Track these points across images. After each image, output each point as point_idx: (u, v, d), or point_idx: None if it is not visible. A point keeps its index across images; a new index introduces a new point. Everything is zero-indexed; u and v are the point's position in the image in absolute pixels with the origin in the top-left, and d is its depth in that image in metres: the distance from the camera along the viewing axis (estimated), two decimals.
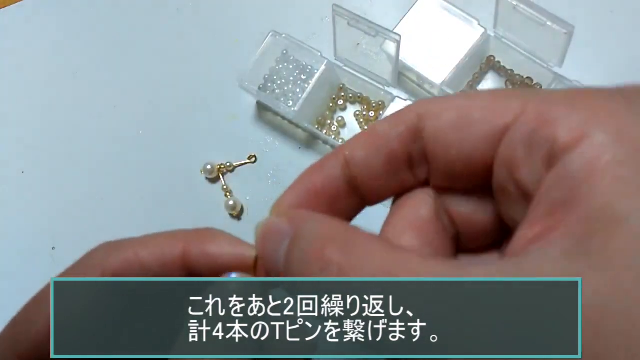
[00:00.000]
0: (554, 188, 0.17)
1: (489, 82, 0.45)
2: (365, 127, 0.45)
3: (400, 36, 0.40)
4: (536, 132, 0.18)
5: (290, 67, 0.46)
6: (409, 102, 0.43)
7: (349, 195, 0.23)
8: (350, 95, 0.46)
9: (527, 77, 0.44)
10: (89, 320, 0.26)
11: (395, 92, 0.44)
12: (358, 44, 0.43)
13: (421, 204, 0.22)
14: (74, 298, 0.26)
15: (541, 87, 0.43)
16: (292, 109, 0.44)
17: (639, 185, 0.15)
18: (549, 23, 0.38)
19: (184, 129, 0.48)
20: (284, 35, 0.45)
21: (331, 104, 0.46)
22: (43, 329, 0.25)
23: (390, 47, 0.41)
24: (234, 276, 0.25)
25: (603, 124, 0.17)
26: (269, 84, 0.46)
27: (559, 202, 0.16)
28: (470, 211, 0.22)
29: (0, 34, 0.53)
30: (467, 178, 0.21)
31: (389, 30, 0.40)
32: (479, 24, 0.44)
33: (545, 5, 0.38)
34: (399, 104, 0.43)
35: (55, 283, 0.27)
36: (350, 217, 0.24)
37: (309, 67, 0.46)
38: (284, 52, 0.46)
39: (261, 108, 0.47)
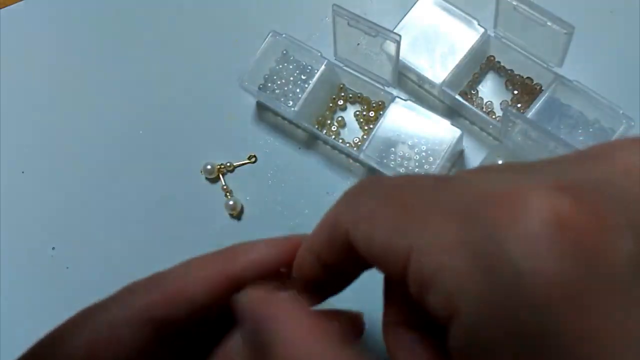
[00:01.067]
0: (451, 354, 0.17)
1: (489, 82, 0.45)
2: (366, 128, 0.45)
3: (400, 36, 0.40)
4: (422, 291, 0.18)
5: (290, 67, 0.46)
6: (409, 102, 0.43)
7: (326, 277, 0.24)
8: (350, 95, 0.46)
9: (527, 77, 0.44)
10: (124, 357, 0.24)
11: (395, 92, 0.44)
12: (358, 44, 0.43)
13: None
14: (110, 334, 0.25)
15: (541, 87, 0.43)
16: (292, 109, 0.44)
17: None
18: (549, 23, 0.38)
19: (184, 129, 0.48)
20: (284, 35, 0.45)
21: (331, 104, 0.46)
22: (81, 355, 0.24)
23: (390, 47, 0.41)
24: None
25: (471, 299, 0.16)
26: (269, 84, 0.46)
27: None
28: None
29: (1, 34, 0.53)
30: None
31: (389, 30, 0.40)
32: (479, 24, 0.44)
33: (545, 5, 0.38)
34: (399, 103, 0.43)
35: (86, 313, 0.25)
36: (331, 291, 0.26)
37: (309, 67, 0.46)
38: (284, 52, 0.46)
39: (261, 108, 0.47)
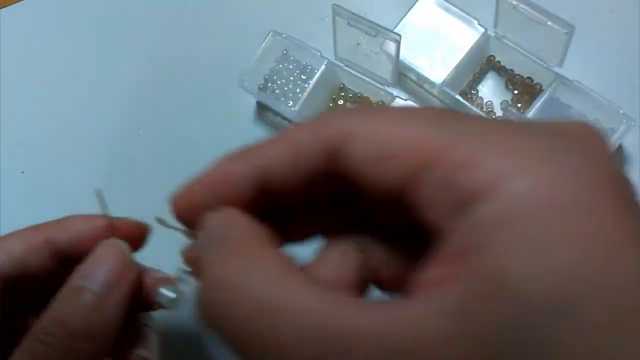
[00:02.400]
0: (459, 235, 0.16)
1: (489, 82, 0.45)
2: None
3: (400, 36, 0.40)
4: (452, 175, 0.17)
5: (290, 67, 0.46)
6: (409, 102, 0.43)
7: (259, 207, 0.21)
8: (350, 95, 0.46)
9: (528, 77, 0.44)
10: None
11: (395, 92, 0.44)
12: (358, 44, 0.43)
13: (343, 261, 0.20)
14: None
15: (541, 87, 0.43)
16: (292, 109, 0.44)
17: (540, 248, 0.15)
18: (549, 23, 0.38)
19: (183, 129, 0.48)
20: (284, 35, 0.45)
21: (331, 104, 0.46)
22: None
23: (390, 47, 0.41)
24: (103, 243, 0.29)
25: (524, 173, 0.16)
26: (269, 84, 0.46)
27: (459, 251, 0.16)
28: (390, 257, 0.21)
29: (1, 34, 0.53)
30: (384, 215, 0.20)
31: (389, 30, 0.40)
32: (479, 24, 0.44)
33: (545, 5, 0.38)
34: (399, 103, 0.43)
35: None
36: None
37: (309, 67, 0.46)
38: (284, 52, 0.46)
39: (261, 108, 0.47)
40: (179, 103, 0.49)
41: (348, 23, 0.41)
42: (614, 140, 0.40)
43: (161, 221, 0.26)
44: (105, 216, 0.30)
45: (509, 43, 0.43)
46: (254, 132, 0.47)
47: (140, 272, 0.29)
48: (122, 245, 0.29)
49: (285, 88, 0.46)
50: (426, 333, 0.15)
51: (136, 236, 0.31)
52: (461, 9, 0.44)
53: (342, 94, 0.46)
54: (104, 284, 0.27)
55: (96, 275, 0.27)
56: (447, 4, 0.45)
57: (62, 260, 0.29)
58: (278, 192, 0.20)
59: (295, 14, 0.49)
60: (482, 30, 0.43)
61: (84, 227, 0.30)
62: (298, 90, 0.45)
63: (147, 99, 0.49)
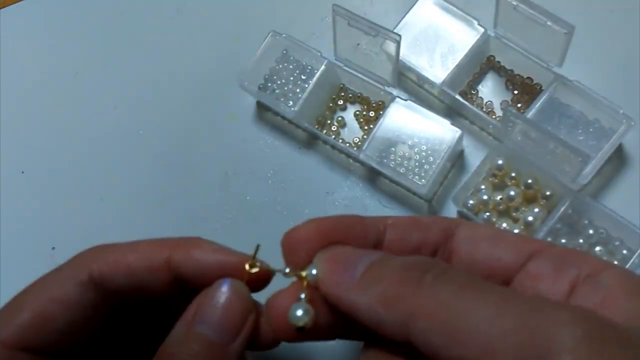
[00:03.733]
0: None
1: (489, 82, 0.45)
2: (366, 127, 0.45)
3: (400, 36, 0.40)
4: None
5: (290, 67, 0.46)
6: (409, 102, 0.43)
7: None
8: (350, 95, 0.46)
9: (527, 77, 0.44)
10: (74, 318, 0.27)
11: (395, 92, 0.44)
12: (358, 44, 0.43)
13: None
14: (61, 294, 0.27)
15: (541, 87, 0.43)
16: (292, 109, 0.44)
17: None
18: (549, 23, 0.38)
19: (183, 129, 0.48)
20: (284, 35, 0.45)
21: (331, 104, 0.46)
22: (28, 316, 0.26)
23: (390, 47, 0.41)
24: (226, 283, 0.26)
25: None
26: (269, 84, 0.46)
27: None
28: None
29: (1, 34, 0.53)
30: None
31: (389, 30, 0.40)
32: (479, 24, 0.44)
33: (545, 5, 0.38)
34: (399, 103, 0.43)
35: (43, 277, 0.28)
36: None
37: (309, 67, 0.46)
38: (284, 52, 0.46)
39: (261, 108, 0.47)
40: (179, 103, 0.49)
41: (348, 23, 0.41)
42: (614, 140, 0.40)
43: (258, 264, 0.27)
44: (237, 253, 0.27)
45: (509, 43, 0.43)
46: (254, 132, 0.47)
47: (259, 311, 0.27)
48: (242, 287, 0.27)
49: (285, 88, 0.46)
50: None
51: (260, 279, 0.28)
52: (461, 9, 0.44)
53: (342, 94, 0.46)
54: (225, 332, 0.25)
55: (215, 320, 0.25)
56: (447, 4, 0.45)
57: (180, 285, 0.28)
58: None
59: (295, 14, 0.49)
60: (482, 30, 0.43)
61: (209, 258, 0.27)
62: (298, 90, 0.45)
63: (147, 99, 0.49)
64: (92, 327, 0.27)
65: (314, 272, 0.25)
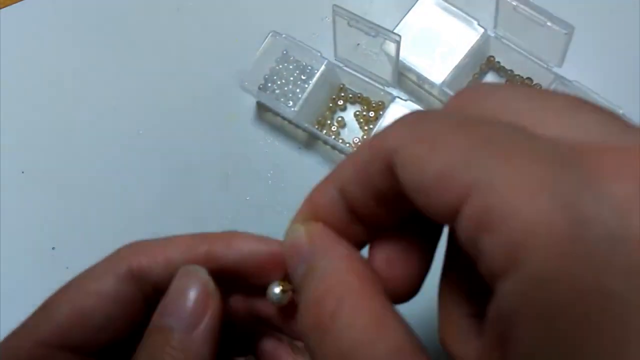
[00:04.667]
0: (492, 322, 0.15)
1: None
2: (366, 128, 0.45)
3: (400, 36, 0.40)
4: (476, 237, 0.15)
5: (290, 67, 0.46)
6: (409, 103, 0.43)
7: (353, 224, 0.22)
8: (350, 95, 0.46)
9: (527, 78, 0.44)
10: (112, 313, 0.26)
11: (395, 92, 0.44)
12: (358, 44, 0.43)
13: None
14: (99, 287, 0.26)
15: (541, 87, 0.43)
16: (292, 109, 0.44)
17: (554, 338, 0.13)
18: (549, 23, 0.38)
19: (183, 129, 0.48)
20: (284, 35, 0.45)
21: (331, 104, 0.46)
22: (66, 313, 0.26)
23: (390, 47, 0.41)
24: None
25: (537, 249, 0.14)
26: (269, 84, 0.46)
27: (497, 340, 0.15)
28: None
29: (1, 34, 0.53)
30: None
31: (389, 30, 0.40)
32: (479, 24, 0.44)
33: (545, 5, 0.38)
34: (399, 104, 0.43)
35: (80, 274, 0.28)
36: (358, 243, 0.23)
37: (309, 67, 0.46)
38: (284, 52, 0.46)
39: (261, 108, 0.47)
40: (179, 103, 0.49)
41: (348, 23, 0.41)
42: None
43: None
44: (277, 241, 0.27)
45: (509, 43, 0.43)
46: (254, 132, 0.47)
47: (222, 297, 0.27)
48: (200, 271, 0.26)
49: (285, 88, 0.46)
50: None
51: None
52: (461, 9, 0.44)
53: (342, 94, 0.46)
54: (186, 320, 0.25)
55: (178, 311, 0.25)
56: (447, 4, 0.45)
57: (219, 278, 0.27)
58: (362, 211, 0.21)
59: (295, 14, 0.49)
60: (482, 30, 0.43)
61: (250, 247, 0.27)
62: (298, 90, 0.45)
63: (147, 99, 0.49)
64: (129, 324, 0.27)
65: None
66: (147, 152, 0.48)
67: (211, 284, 0.26)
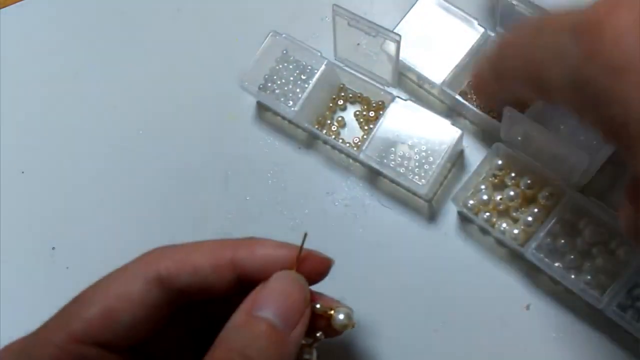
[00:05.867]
0: None
1: None
2: (366, 127, 0.45)
3: (400, 36, 0.40)
4: None
5: (290, 67, 0.46)
6: (409, 102, 0.43)
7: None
8: (350, 95, 0.46)
9: None
10: (139, 315, 0.27)
11: (395, 92, 0.44)
12: (358, 44, 0.43)
13: None
14: (128, 290, 0.27)
15: None
16: (292, 109, 0.44)
17: None
18: None
19: (183, 129, 0.48)
20: (284, 35, 0.45)
21: (331, 104, 0.46)
22: (96, 312, 0.27)
23: (390, 47, 0.41)
24: (285, 273, 0.28)
25: None
26: (269, 84, 0.46)
27: None
28: None
29: (1, 34, 0.53)
30: None
31: (389, 30, 0.40)
32: (479, 24, 0.44)
33: (545, 5, 0.38)
34: (399, 103, 0.43)
35: (110, 274, 0.29)
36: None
37: (309, 67, 0.46)
38: (284, 52, 0.46)
39: (261, 108, 0.47)
40: (179, 103, 0.49)
41: (348, 23, 0.41)
42: None
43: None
44: (295, 247, 0.29)
45: None
46: (254, 132, 0.47)
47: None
48: (301, 278, 0.28)
49: (285, 88, 0.45)
50: None
51: (319, 270, 0.29)
52: (461, 9, 0.44)
53: (342, 94, 0.46)
54: (286, 318, 0.26)
55: (277, 308, 0.26)
56: (447, 4, 0.45)
57: (243, 284, 0.28)
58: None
59: (295, 14, 0.49)
60: (482, 30, 0.43)
61: (273, 253, 0.28)
62: (298, 90, 0.45)
63: (147, 99, 0.49)
64: (155, 326, 0.28)
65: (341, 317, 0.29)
66: (147, 152, 0.48)
67: (308, 291, 0.27)
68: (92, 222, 0.47)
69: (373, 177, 0.44)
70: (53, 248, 0.46)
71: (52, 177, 0.48)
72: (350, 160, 0.45)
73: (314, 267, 0.29)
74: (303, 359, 0.28)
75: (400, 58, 0.42)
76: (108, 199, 0.47)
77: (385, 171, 0.42)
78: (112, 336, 0.27)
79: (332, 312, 0.29)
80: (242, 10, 0.50)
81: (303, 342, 0.28)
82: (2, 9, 0.53)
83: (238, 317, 0.26)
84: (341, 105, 0.46)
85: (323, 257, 0.29)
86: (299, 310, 0.26)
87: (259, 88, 0.46)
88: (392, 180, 0.43)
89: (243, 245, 0.29)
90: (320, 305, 0.29)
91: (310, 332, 0.28)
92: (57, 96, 0.50)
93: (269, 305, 0.26)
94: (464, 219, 0.42)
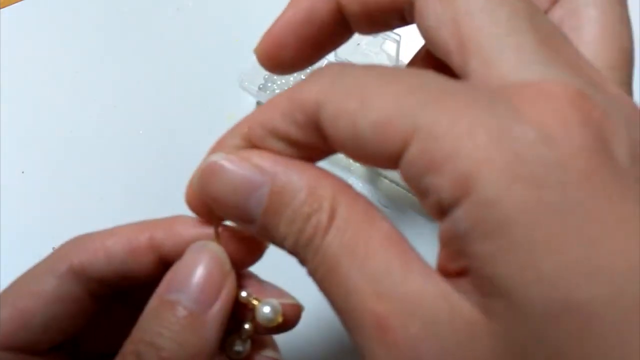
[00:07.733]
0: (448, 241, 0.17)
1: None
2: None
3: (400, 36, 0.39)
4: (421, 177, 0.17)
5: None
6: None
7: (334, 26, 0.24)
8: None
9: None
10: (55, 312, 0.25)
11: None
12: (358, 44, 0.43)
13: None
14: (39, 288, 0.26)
15: None
16: None
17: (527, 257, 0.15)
18: None
19: (184, 129, 0.48)
20: None
21: None
22: (6, 318, 0.25)
23: (390, 47, 0.41)
24: (198, 246, 0.24)
25: (488, 179, 0.15)
26: (269, 84, 0.46)
27: (455, 255, 0.17)
28: None
29: (1, 34, 0.53)
30: None
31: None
32: None
33: None
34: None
35: (21, 275, 0.27)
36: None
37: (309, 67, 0.46)
38: None
39: None
40: (179, 103, 0.49)
41: None
42: None
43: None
44: (216, 222, 0.25)
45: None
46: None
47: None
48: (217, 249, 0.24)
49: (285, 88, 0.45)
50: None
51: (250, 249, 0.25)
52: None
53: None
54: (199, 297, 0.22)
55: (189, 287, 0.22)
56: None
57: (167, 266, 0.25)
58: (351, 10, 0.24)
59: None
60: None
61: (192, 230, 0.26)
62: None
63: (147, 99, 0.49)
64: (77, 321, 0.26)
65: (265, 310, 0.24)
66: (147, 152, 0.48)
67: (227, 263, 0.24)
68: (92, 222, 0.46)
69: (373, 177, 0.44)
70: (53, 248, 0.46)
71: (52, 177, 0.48)
72: (350, 160, 0.45)
73: (242, 244, 0.25)
74: (234, 351, 0.24)
75: (401, 58, 0.42)
76: (108, 199, 0.47)
77: (385, 171, 0.42)
78: (28, 339, 0.25)
79: (255, 302, 0.24)
80: (242, 10, 0.50)
81: (235, 333, 0.24)
82: (2, 9, 0.53)
83: (151, 303, 0.23)
84: None
85: (254, 238, 0.25)
86: (215, 286, 0.23)
87: (259, 88, 0.46)
88: (392, 181, 0.43)
89: (161, 225, 0.26)
90: (248, 294, 0.24)
91: (237, 323, 0.24)
92: (57, 96, 0.50)
93: (180, 284, 0.23)
94: None
